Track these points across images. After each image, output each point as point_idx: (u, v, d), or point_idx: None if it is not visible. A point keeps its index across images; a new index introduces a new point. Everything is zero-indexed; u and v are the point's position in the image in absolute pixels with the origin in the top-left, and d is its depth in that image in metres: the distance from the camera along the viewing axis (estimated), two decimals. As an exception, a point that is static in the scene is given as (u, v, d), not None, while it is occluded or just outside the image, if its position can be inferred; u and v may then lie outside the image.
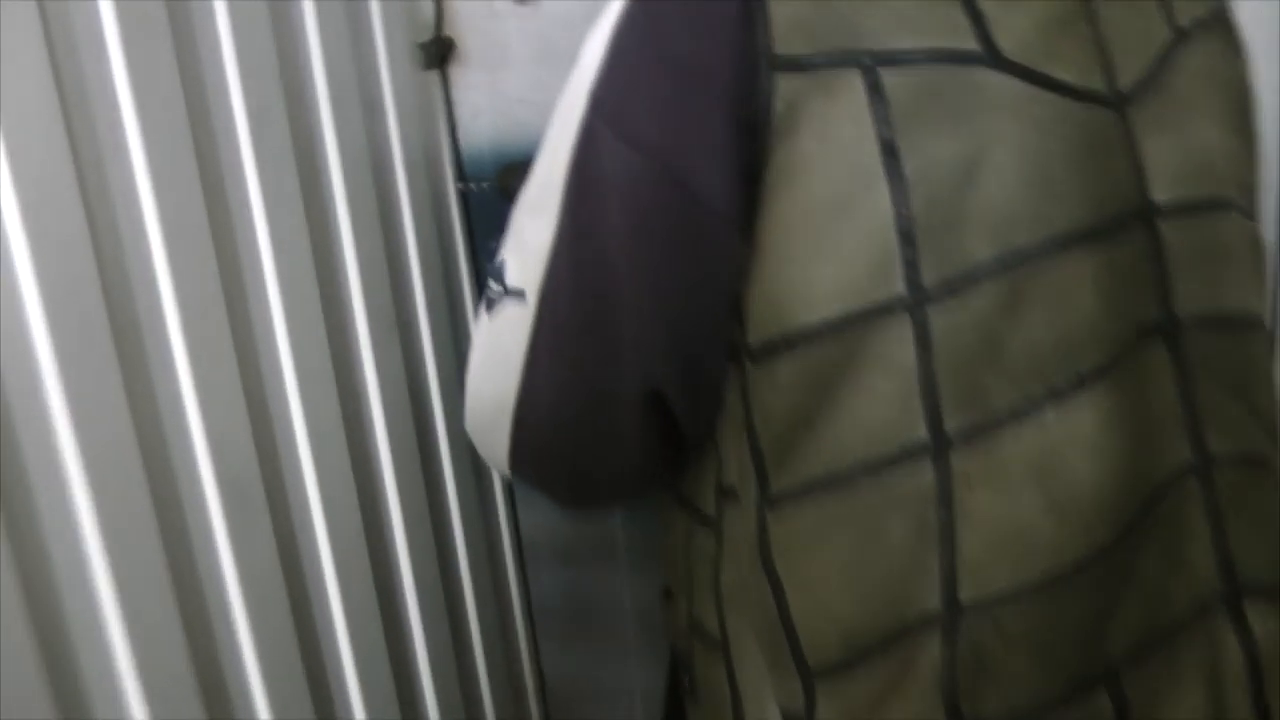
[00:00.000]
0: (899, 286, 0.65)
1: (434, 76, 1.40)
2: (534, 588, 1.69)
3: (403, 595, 1.29)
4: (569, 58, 1.35)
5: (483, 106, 1.44)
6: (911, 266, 0.64)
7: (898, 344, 0.65)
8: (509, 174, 1.41)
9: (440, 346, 1.41)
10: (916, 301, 0.65)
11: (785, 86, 0.65)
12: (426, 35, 1.38)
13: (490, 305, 0.82)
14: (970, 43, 0.66)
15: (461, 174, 1.47)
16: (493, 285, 0.81)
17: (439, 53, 1.39)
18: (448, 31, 1.41)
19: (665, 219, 0.69)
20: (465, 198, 1.48)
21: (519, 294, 0.78)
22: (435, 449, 1.41)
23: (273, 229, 1.03)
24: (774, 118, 0.65)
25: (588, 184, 0.72)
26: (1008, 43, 0.66)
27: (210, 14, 0.96)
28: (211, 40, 0.97)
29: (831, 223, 0.65)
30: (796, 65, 0.65)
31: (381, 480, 1.26)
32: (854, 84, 0.65)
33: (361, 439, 1.22)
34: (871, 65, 0.65)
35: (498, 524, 1.62)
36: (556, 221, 0.74)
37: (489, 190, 1.43)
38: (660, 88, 0.68)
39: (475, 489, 1.49)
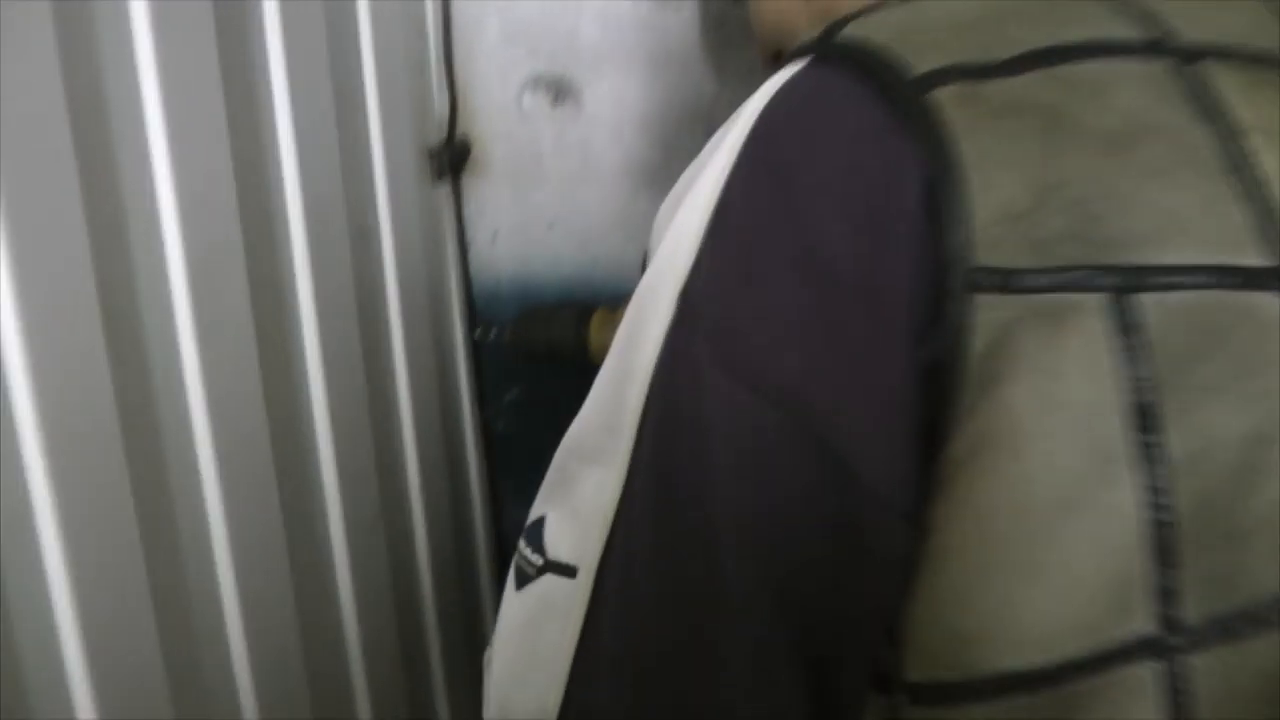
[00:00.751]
0: (1146, 623, 0.47)
1: (443, 191, 1.10)
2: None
3: None
4: (617, 175, 1.10)
5: (504, 229, 1.15)
6: (1167, 595, 0.47)
7: (1138, 704, 0.48)
8: (528, 325, 1.10)
9: (438, 550, 1.09)
10: (1172, 647, 0.47)
11: (989, 316, 0.46)
12: (437, 138, 1.09)
13: (522, 580, 0.60)
14: (1258, 256, 0.48)
15: (472, 316, 1.16)
16: (525, 551, 0.59)
17: (452, 160, 1.09)
18: (465, 133, 1.11)
19: (802, 498, 0.49)
20: (476, 346, 1.17)
21: (566, 570, 0.57)
22: (428, 682, 1.08)
23: (212, 398, 0.76)
24: (969, 361, 0.46)
25: (679, 431, 0.52)
26: None
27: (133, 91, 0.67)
28: (133, 124, 0.67)
29: (1050, 527, 0.47)
30: (1007, 284, 0.46)
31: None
32: (1095, 316, 0.46)
33: (334, 676, 0.89)
34: (1123, 289, 0.47)
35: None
36: (625, 476, 0.53)
37: (504, 340, 1.12)
38: (796, 301, 0.49)
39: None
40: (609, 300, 1.11)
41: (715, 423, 0.49)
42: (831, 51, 0.51)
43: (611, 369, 0.54)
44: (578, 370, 1.09)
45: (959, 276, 0.45)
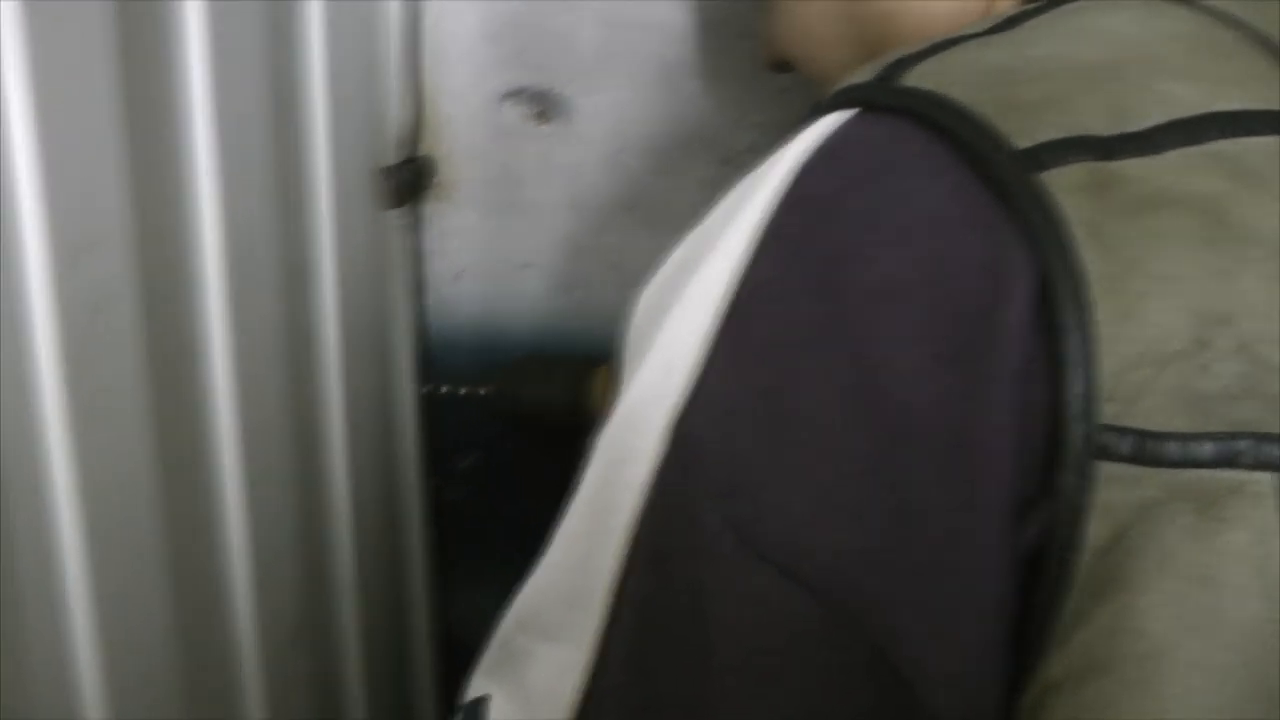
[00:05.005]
0: None
1: (398, 219, 0.92)
2: None
3: None
4: (612, 207, 0.92)
5: (471, 268, 0.96)
6: None
7: None
8: (516, 380, 0.93)
9: (373, 657, 0.90)
10: None
11: (1117, 496, 0.34)
12: (395, 155, 0.90)
13: None
14: None
15: (427, 368, 0.97)
16: None
17: (412, 183, 0.90)
18: (429, 151, 0.92)
19: (844, 712, 0.38)
20: (429, 404, 0.98)
21: None
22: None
23: (87, 472, 0.57)
24: (1082, 554, 0.35)
25: (670, 615, 0.40)
26: None
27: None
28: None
29: None
30: (1149, 454, 0.34)
31: None
32: (1268, 503, 0.34)
33: None
34: None
35: None
36: (594, 662, 0.43)
37: (472, 398, 0.93)
38: (848, 453, 0.37)
39: None
40: (601, 356, 0.93)
41: (722, 610, 0.39)
42: (898, 103, 0.40)
43: (575, 525, 0.44)
44: (553, 435, 0.92)
45: (1079, 437, 0.34)
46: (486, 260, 0.95)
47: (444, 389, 0.97)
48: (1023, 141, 0.36)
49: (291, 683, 0.80)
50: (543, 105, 0.90)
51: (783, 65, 0.66)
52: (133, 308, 0.60)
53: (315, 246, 0.80)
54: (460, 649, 1.07)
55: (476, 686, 0.49)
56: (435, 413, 1.00)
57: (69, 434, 0.56)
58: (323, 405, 0.84)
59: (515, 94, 0.90)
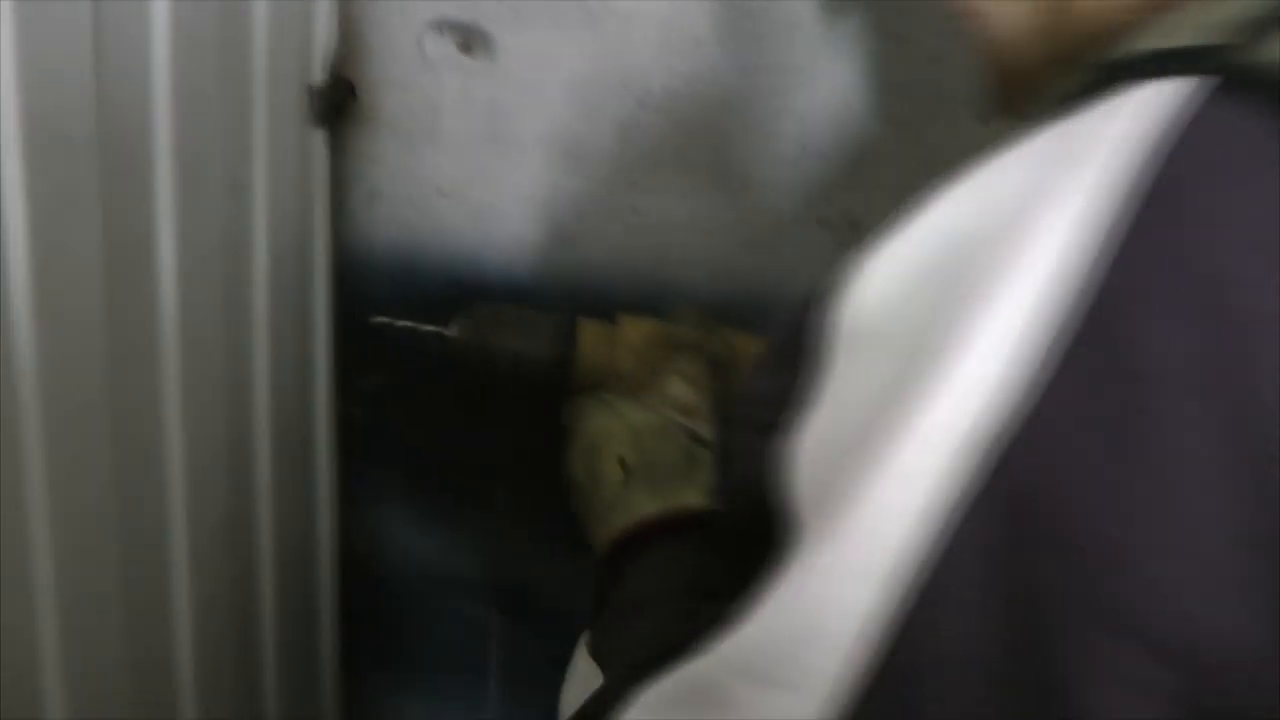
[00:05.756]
0: None
1: (318, 139, 0.94)
2: None
3: None
4: (530, 142, 0.94)
5: (386, 191, 0.99)
6: None
7: None
8: (487, 328, 0.85)
9: (282, 556, 0.93)
10: None
11: None
12: (319, 77, 0.92)
13: None
14: None
15: (340, 287, 1.00)
16: None
17: (335, 104, 0.93)
18: (351, 75, 0.95)
19: None
20: (338, 326, 1.01)
21: None
22: (260, 675, 0.93)
23: (47, 359, 0.61)
24: None
25: (969, 667, 0.33)
26: None
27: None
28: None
29: None
30: None
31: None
32: None
33: (161, 665, 0.74)
34: None
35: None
36: (833, 712, 0.34)
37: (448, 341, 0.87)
38: (1241, 518, 0.31)
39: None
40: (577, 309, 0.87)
41: (1065, 687, 0.32)
42: (1269, 81, 0.33)
43: (812, 556, 0.36)
44: (527, 390, 0.90)
45: None
46: (402, 185, 0.98)
47: (393, 323, 0.92)
48: None
49: (215, 576, 0.83)
50: (466, 38, 0.93)
51: None
52: (93, 204, 0.62)
53: (251, 158, 0.82)
54: (357, 562, 1.11)
55: None
56: (343, 336, 1.02)
57: (36, 318, 0.59)
58: (252, 322, 0.87)
59: (440, 26, 0.93)
